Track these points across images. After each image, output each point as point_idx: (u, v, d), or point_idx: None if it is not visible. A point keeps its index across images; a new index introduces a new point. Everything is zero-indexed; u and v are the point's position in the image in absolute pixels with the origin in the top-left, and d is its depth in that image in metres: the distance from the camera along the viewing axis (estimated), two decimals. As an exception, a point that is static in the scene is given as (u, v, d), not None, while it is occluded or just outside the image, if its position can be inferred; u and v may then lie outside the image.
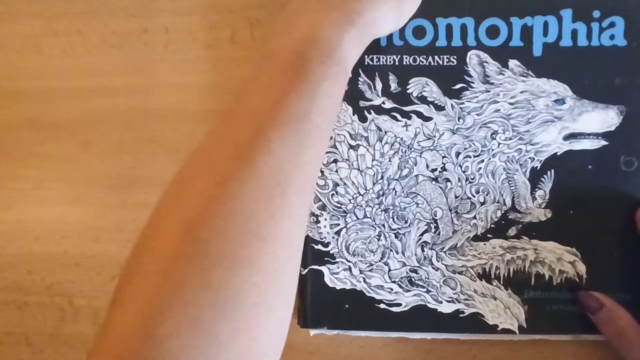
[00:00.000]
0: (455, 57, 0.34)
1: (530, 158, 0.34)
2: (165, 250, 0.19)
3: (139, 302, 0.19)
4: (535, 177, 0.34)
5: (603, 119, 0.33)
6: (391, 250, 0.34)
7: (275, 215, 0.21)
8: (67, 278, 0.39)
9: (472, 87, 0.34)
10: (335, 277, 0.34)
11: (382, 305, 0.34)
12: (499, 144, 0.34)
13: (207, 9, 0.39)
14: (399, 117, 0.34)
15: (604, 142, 0.33)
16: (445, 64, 0.34)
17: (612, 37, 0.33)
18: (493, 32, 0.34)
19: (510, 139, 0.34)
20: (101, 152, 0.39)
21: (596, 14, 0.33)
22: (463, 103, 0.34)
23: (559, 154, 0.33)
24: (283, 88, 0.22)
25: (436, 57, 0.34)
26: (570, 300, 0.33)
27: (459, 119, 0.34)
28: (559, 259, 0.33)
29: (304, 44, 0.23)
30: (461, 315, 0.33)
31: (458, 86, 0.34)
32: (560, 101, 0.33)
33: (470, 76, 0.34)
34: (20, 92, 0.40)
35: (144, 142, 0.39)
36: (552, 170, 0.33)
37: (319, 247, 0.34)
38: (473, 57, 0.34)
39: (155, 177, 0.38)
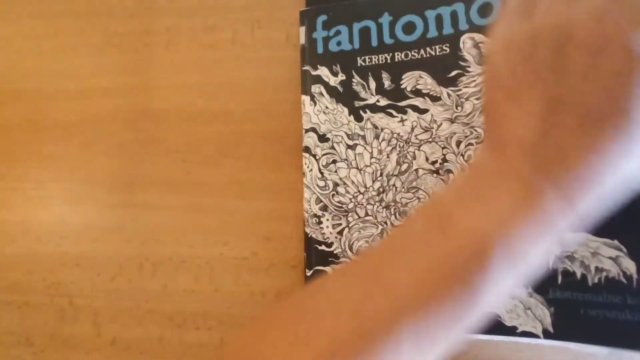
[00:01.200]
0: (447, 45, 0.33)
1: None
2: None
3: None
4: None
5: None
6: None
7: None
8: (67, 278, 0.39)
9: (468, 72, 0.33)
10: None
11: None
12: None
13: (207, 9, 0.39)
14: (394, 113, 0.34)
15: None
16: (438, 54, 0.33)
17: None
18: (486, 10, 0.33)
19: None
20: (101, 152, 0.39)
21: None
22: (460, 90, 0.33)
23: None
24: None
25: (428, 49, 0.34)
26: (614, 305, 0.27)
27: (456, 106, 0.33)
28: (594, 254, 0.28)
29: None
30: None
31: (453, 73, 0.33)
32: None
33: (465, 61, 0.33)
34: (20, 92, 0.40)
35: (144, 142, 0.39)
36: None
37: (323, 247, 0.34)
38: (467, 41, 0.33)
39: (155, 177, 0.38)
